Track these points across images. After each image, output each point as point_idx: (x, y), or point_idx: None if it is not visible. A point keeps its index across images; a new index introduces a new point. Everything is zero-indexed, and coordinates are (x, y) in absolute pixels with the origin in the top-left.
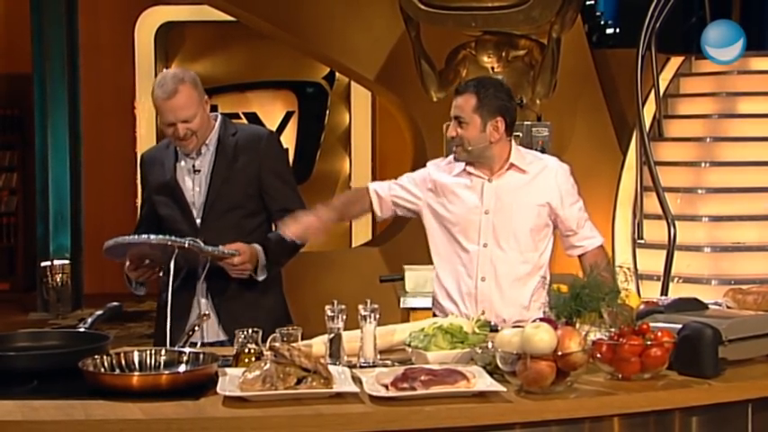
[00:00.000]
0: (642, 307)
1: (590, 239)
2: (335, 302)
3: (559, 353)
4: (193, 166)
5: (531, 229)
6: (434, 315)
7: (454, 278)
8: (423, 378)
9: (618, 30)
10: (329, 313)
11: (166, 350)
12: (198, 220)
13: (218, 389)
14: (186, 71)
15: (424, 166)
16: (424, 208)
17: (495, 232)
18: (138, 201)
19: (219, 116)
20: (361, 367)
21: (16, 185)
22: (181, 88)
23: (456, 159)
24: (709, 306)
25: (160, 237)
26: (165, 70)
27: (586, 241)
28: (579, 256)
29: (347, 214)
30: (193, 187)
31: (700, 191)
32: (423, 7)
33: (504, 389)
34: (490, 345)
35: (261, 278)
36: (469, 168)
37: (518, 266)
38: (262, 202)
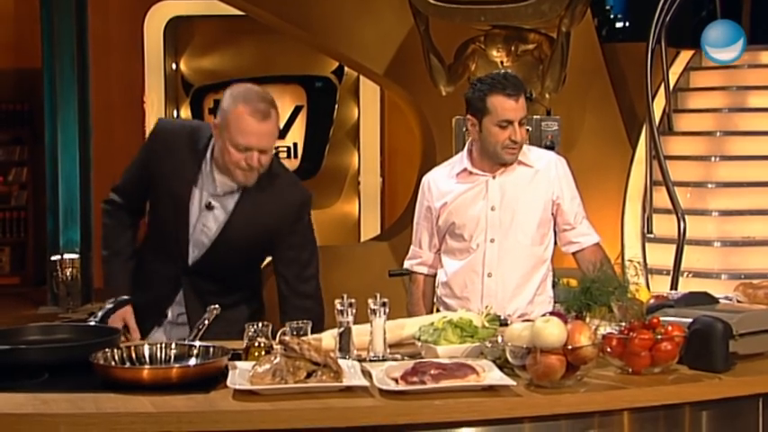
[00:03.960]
0: (652, 301)
1: (587, 236)
2: (345, 296)
3: (569, 347)
4: (210, 203)
5: (538, 223)
6: (438, 311)
7: (460, 275)
8: (432, 372)
9: (627, 24)
10: (339, 307)
11: (177, 343)
12: (190, 260)
13: (229, 382)
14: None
15: (432, 160)
16: (436, 217)
17: (503, 227)
18: None
19: None
20: (370, 361)
21: (26, 180)
22: (273, 113)
23: (509, 162)
24: (720, 300)
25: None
26: (247, 86)
27: (583, 238)
28: (575, 254)
29: (427, 306)
30: (203, 223)
31: (710, 185)
32: (432, 1)
33: (514, 383)
34: (500, 339)
35: None
36: (472, 168)
37: (524, 261)
38: (262, 259)
